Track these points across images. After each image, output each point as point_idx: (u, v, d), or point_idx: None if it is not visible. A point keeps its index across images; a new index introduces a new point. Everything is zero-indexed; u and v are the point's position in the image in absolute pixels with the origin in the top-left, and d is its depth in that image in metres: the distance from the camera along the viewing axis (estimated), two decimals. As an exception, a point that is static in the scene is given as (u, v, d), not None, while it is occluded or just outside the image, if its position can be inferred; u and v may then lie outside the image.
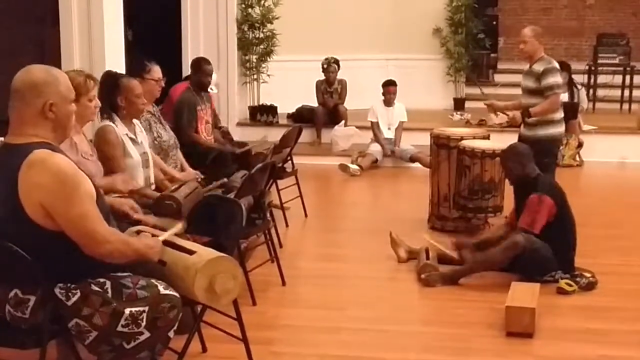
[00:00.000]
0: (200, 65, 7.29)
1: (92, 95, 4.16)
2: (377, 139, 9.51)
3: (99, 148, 4.61)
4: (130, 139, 4.80)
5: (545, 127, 6.35)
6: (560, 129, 6.48)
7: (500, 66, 13.10)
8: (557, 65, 6.43)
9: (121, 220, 3.70)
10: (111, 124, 4.72)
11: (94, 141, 4.71)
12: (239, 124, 10.59)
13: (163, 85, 5.86)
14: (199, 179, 5.32)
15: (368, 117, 9.58)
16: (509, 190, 6.02)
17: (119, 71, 5.40)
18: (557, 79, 6.35)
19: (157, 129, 5.68)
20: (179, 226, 3.50)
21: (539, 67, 6.33)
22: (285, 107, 10.65)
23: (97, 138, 4.70)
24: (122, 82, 4.86)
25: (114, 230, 3.07)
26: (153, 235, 3.35)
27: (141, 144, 4.90)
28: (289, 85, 10.75)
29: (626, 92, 11.68)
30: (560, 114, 6.44)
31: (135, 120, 4.97)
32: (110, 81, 4.88)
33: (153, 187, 4.93)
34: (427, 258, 5.47)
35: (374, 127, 9.54)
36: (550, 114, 6.35)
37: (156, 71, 5.73)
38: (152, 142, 5.33)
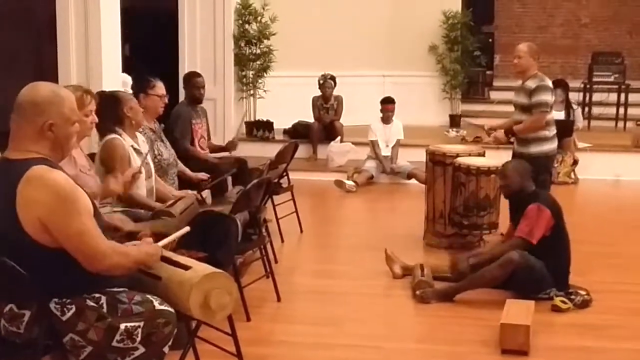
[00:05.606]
0: (190, 78, 7.33)
1: (88, 110, 4.18)
2: (377, 156, 9.49)
3: (105, 160, 4.63)
4: (135, 150, 4.84)
5: (538, 144, 6.32)
6: (553, 145, 6.43)
7: (496, 83, 13.14)
8: (549, 83, 6.38)
9: (113, 233, 3.70)
10: (118, 136, 4.75)
11: (100, 154, 4.73)
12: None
13: (166, 101, 5.89)
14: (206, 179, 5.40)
15: (368, 137, 9.52)
16: (504, 207, 6.03)
17: (114, 88, 5.48)
18: (548, 97, 6.29)
19: (158, 146, 5.70)
20: (186, 229, 3.48)
21: (531, 84, 6.30)
22: (282, 122, 10.65)
23: (104, 151, 4.72)
24: (120, 94, 4.95)
25: (113, 243, 3.07)
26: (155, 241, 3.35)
27: (144, 154, 4.94)
28: (285, 101, 10.77)
29: (621, 110, 11.73)
30: (552, 131, 6.39)
31: (136, 133, 5.02)
32: (108, 98, 4.91)
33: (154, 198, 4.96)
34: (422, 275, 5.47)
35: (375, 145, 9.52)
36: (536, 132, 6.30)
37: (160, 87, 5.76)
38: (153, 160, 5.34)
